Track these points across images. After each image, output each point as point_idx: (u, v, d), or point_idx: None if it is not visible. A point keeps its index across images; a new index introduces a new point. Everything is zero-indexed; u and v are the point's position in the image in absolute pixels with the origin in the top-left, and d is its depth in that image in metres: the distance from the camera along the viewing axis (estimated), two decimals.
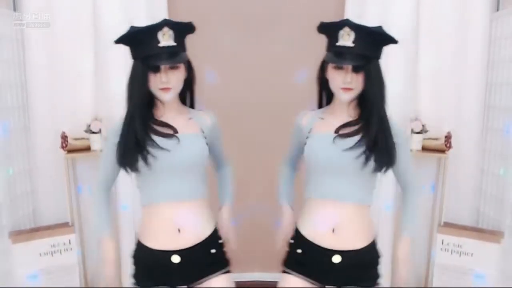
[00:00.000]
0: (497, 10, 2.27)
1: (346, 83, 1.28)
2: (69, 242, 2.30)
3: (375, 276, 1.44)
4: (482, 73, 2.32)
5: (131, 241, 2.39)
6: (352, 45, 1.25)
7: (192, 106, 1.48)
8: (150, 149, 1.29)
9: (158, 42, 1.25)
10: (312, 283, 1.41)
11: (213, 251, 1.41)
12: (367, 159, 1.28)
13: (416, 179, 1.44)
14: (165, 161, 1.31)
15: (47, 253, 2.25)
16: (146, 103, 1.33)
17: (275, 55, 2.45)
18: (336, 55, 1.28)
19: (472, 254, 2.26)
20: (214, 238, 1.43)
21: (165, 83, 1.28)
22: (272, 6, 2.46)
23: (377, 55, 1.31)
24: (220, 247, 1.45)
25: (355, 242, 1.36)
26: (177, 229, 1.35)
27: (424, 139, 2.31)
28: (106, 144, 1.43)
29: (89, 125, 2.26)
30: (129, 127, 1.31)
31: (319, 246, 1.36)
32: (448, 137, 2.27)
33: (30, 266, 2.21)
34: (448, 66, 2.32)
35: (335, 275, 1.37)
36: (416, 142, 2.29)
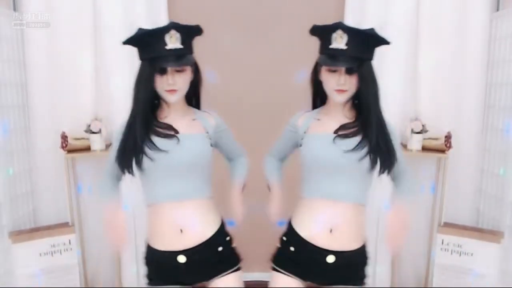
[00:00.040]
0: (497, 10, 2.27)
1: (340, 85, 1.30)
2: (69, 242, 2.30)
3: (363, 276, 1.47)
4: (482, 73, 2.32)
5: (130, 240, 2.41)
6: (345, 47, 1.27)
7: (197, 107, 1.49)
8: (147, 151, 1.31)
9: (165, 44, 1.27)
10: (303, 283, 1.43)
11: (220, 249, 1.41)
12: (373, 162, 1.31)
13: (407, 167, 1.48)
14: (165, 162, 1.32)
15: (47, 253, 2.25)
16: (151, 104, 1.35)
17: (275, 55, 2.45)
18: (330, 57, 1.30)
19: (472, 254, 2.26)
20: (220, 236, 1.43)
21: (171, 85, 1.30)
22: (272, 6, 2.46)
23: (370, 57, 1.33)
24: (227, 244, 1.45)
25: (350, 243, 1.39)
26: (179, 229, 1.36)
27: (424, 139, 2.31)
28: (115, 141, 1.45)
29: (89, 125, 2.26)
30: (130, 128, 1.34)
31: (314, 246, 1.37)
32: (448, 137, 2.27)
33: (30, 266, 2.21)
34: (448, 66, 2.32)
35: (327, 275, 1.39)
36: (416, 142, 2.30)
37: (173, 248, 1.37)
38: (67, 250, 2.29)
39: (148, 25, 2.25)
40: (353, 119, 1.38)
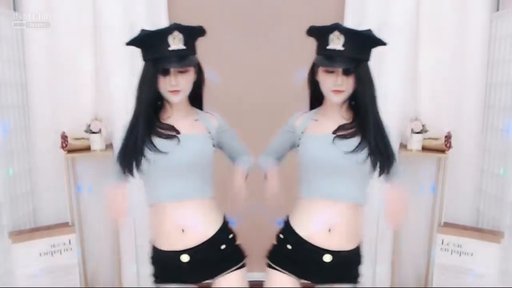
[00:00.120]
0: (497, 10, 2.27)
1: (337, 86, 1.31)
2: (69, 242, 2.30)
3: (357, 275, 1.47)
4: (482, 73, 2.32)
5: (130, 240, 2.41)
6: (342, 48, 1.27)
7: (200, 107, 1.50)
8: (148, 152, 1.31)
9: (168, 45, 1.28)
10: (298, 280, 1.44)
11: (223, 247, 1.42)
12: (373, 163, 1.32)
13: (400, 167, 1.47)
14: (165, 162, 1.33)
15: (47, 253, 2.25)
16: (153, 105, 1.36)
17: (275, 55, 2.45)
18: (327, 58, 1.31)
19: (472, 254, 2.26)
20: (222, 235, 1.43)
21: (174, 86, 1.31)
22: (272, 6, 2.46)
23: (367, 57, 1.34)
24: (230, 242, 1.46)
25: (348, 242, 1.40)
26: (181, 229, 1.37)
27: (424, 139, 2.31)
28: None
29: (89, 125, 2.26)
30: (133, 129, 1.34)
31: (312, 245, 1.38)
32: (448, 137, 2.27)
33: (30, 266, 2.21)
34: (448, 66, 2.32)
35: (323, 274, 1.41)
36: (416, 142, 2.30)
37: (176, 247, 1.38)
38: (67, 250, 2.29)
39: (148, 25, 2.25)
40: (351, 120, 1.38)
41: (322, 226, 1.36)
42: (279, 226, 1.51)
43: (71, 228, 2.32)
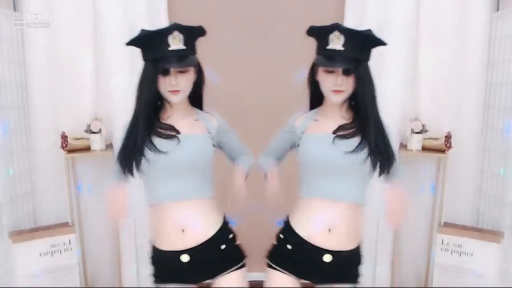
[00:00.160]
0: (497, 10, 2.27)
1: (337, 86, 1.31)
2: (69, 242, 2.30)
3: (357, 275, 1.47)
4: (482, 73, 2.32)
5: (130, 240, 2.41)
6: (342, 48, 1.28)
7: (200, 107, 1.50)
8: (147, 152, 1.32)
9: (168, 45, 1.28)
10: (298, 280, 1.45)
11: (223, 247, 1.42)
12: (374, 164, 1.32)
13: (400, 167, 1.47)
14: (165, 163, 1.33)
15: (47, 253, 2.25)
16: (153, 105, 1.36)
17: (275, 55, 2.45)
18: (327, 58, 1.31)
19: (472, 254, 2.26)
20: (222, 235, 1.43)
21: (174, 86, 1.32)
22: (272, 6, 2.46)
23: (367, 57, 1.34)
24: (230, 242, 1.46)
25: (348, 242, 1.40)
26: (181, 229, 1.37)
27: (424, 139, 2.31)
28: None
29: (89, 125, 2.26)
30: (133, 129, 1.35)
31: (312, 245, 1.38)
32: (448, 137, 2.27)
33: (30, 266, 2.21)
34: (448, 66, 2.32)
35: (323, 274, 1.41)
36: (416, 142, 2.29)
37: (176, 247, 1.38)
38: (67, 250, 2.29)
39: (148, 25, 2.25)
40: (351, 120, 1.39)
41: (322, 226, 1.37)
42: (279, 226, 1.51)
43: (71, 228, 2.32)
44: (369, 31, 1.33)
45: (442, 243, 2.32)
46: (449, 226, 2.34)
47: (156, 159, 1.32)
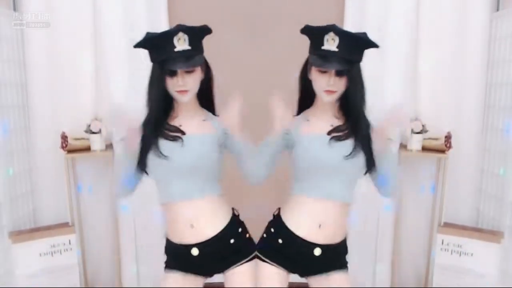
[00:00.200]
0: (497, 10, 2.27)
1: (330, 86, 1.34)
2: (69, 242, 2.30)
3: (345, 262, 1.53)
4: (482, 73, 2.32)
5: (130, 240, 2.41)
6: (336, 49, 1.30)
7: (210, 105, 1.52)
8: (156, 152, 1.35)
9: (174, 46, 1.31)
10: (288, 273, 1.49)
11: (232, 241, 1.45)
12: (367, 165, 1.37)
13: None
14: (171, 163, 1.35)
15: (47, 253, 2.25)
16: (163, 105, 1.39)
17: (275, 55, 2.44)
18: (321, 58, 1.33)
19: (472, 254, 2.26)
20: (231, 229, 1.46)
21: (182, 86, 1.34)
22: (272, 6, 2.45)
23: (359, 59, 1.37)
24: (239, 236, 1.48)
25: (336, 236, 1.44)
26: (190, 224, 1.40)
27: (424, 139, 2.31)
28: None
29: (89, 125, 2.26)
30: (144, 132, 1.37)
31: (303, 240, 1.41)
32: (448, 137, 2.27)
33: (30, 266, 2.21)
34: (448, 66, 2.32)
35: (313, 266, 1.46)
36: (416, 142, 2.30)
37: (186, 241, 1.42)
38: (67, 250, 2.29)
39: (148, 25, 2.25)
40: (341, 119, 1.42)
41: (313, 222, 1.41)
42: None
43: (71, 228, 2.32)
44: (364, 34, 1.35)
45: (442, 243, 2.32)
46: (449, 226, 2.34)
47: (162, 161, 1.35)
